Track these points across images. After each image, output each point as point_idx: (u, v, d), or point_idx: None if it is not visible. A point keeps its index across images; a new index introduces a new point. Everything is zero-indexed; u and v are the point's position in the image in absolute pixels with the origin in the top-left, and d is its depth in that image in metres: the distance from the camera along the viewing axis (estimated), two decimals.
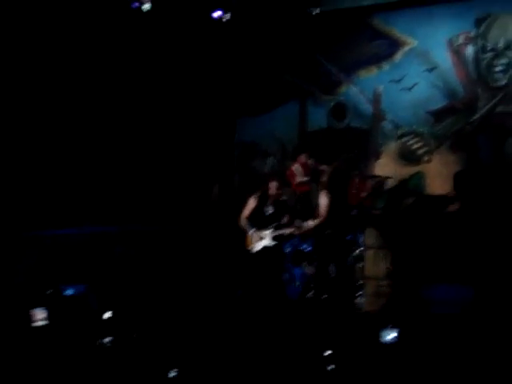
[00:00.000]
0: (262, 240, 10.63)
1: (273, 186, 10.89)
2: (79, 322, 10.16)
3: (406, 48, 14.20)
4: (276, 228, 10.65)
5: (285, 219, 10.78)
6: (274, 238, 10.63)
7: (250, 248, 10.73)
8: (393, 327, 8.43)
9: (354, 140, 14.47)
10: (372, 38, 14.47)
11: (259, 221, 10.72)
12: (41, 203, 13.27)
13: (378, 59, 14.41)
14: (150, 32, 14.13)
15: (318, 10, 13.64)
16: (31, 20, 12.82)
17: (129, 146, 14.36)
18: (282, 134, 15.11)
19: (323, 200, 10.62)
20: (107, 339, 9.14)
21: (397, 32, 14.27)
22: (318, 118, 14.91)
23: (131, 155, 14.51)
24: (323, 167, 11.30)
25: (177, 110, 14.84)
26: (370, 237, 11.74)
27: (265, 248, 10.63)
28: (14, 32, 12.78)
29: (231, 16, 13.47)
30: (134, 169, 14.39)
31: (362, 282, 11.47)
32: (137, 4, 13.10)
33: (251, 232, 10.68)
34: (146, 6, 13.01)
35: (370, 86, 14.42)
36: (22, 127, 12.98)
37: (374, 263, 11.87)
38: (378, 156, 14.31)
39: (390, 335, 8.33)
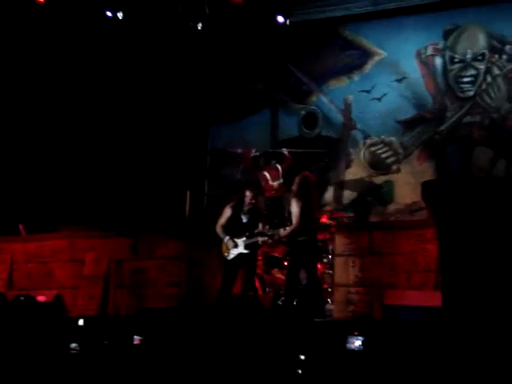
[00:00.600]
0: (237, 247, 10.79)
1: (248, 195, 11.04)
2: (51, 328, 10.20)
3: (376, 58, 14.43)
4: (250, 236, 10.80)
5: (259, 227, 10.94)
6: (248, 246, 10.78)
7: (224, 255, 10.88)
8: (359, 334, 8.55)
9: (325, 149, 14.63)
10: (343, 48, 14.69)
11: (234, 229, 10.87)
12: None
13: (348, 69, 14.63)
14: (124, 40, 14.25)
15: (289, 20, 13.72)
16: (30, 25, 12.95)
17: (102, 152, 14.45)
18: (254, 142, 15.21)
19: (294, 208, 10.74)
20: (74, 345, 9.22)
21: (367, 43, 14.50)
22: (290, 126, 15.08)
23: (104, 161, 14.61)
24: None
25: (149, 116, 14.93)
26: (339, 244, 11.84)
27: (239, 255, 10.79)
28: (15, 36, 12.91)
29: (204, 25, 13.59)
30: (103, 175, 14.49)
31: (330, 289, 11.63)
32: (111, 13, 13.20)
33: (226, 239, 10.84)
34: (120, 15, 13.12)
35: (340, 96, 14.65)
36: None
37: (343, 270, 11.97)
38: (348, 164, 14.50)
39: (356, 343, 8.45)
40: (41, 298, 11.97)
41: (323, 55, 14.81)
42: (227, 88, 15.29)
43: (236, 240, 10.79)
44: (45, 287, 12.54)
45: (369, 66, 14.51)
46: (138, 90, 14.90)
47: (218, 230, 11.00)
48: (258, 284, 11.67)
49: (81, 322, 9.80)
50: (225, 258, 10.92)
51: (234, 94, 15.28)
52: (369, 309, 11.13)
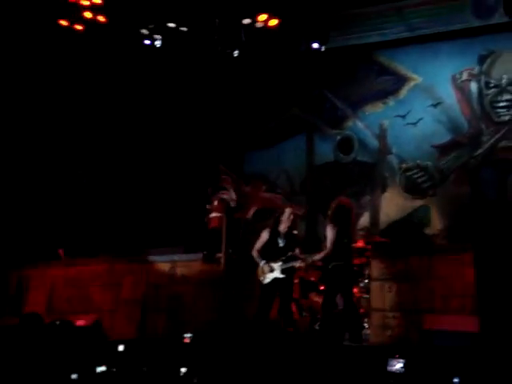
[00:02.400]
0: (273, 272, 10.82)
1: (288, 212, 11.11)
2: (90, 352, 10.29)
3: (412, 84, 14.46)
4: (286, 260, 10.83)
5: (296, 251, 10.98)
6: (284, 271, 10.81)
7: (260, 279, 10.93)
8: (399, 357, 8.56)
9: (360, 173, 14.68)
10: (378, 73, 14.73)
11: (271, 253, 10.91)
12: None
13: (383, 95, 14.66)
14: (161, 67, 14.45)
15: (324, 47, 13.82)
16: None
17: (140, 179, 14.61)
18: (289, 167, 15.29)
19: (329, 233, 10.77)
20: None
21: (402, 68, 14.54)
22: (325, 151, 15.12)
23: (141, 188, 14.76)
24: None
25: (185, 143, 15.08)
26: (376, 268, 11.84)
27: (275, 280, 10.82)
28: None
29: (241, 51, 13.74)
30: (141, 201, 14.62)
31: (367, 313, 11.63)
32: (149, 41, 13.41)
33: (262, 264, 10.88)
34: (158, 43, 13.31)
35: (375, 121, 14.67)
36: None
37: (379, 295, 11.95)
38: (383, 189, 14.52)
39: (397, 365, 8.46)
40: (80, 323, 12.13)
41: (358, 80, 14.86)
42: (263, 113, 15.38)
43: (272, 264, 10.82)
44: (84, 311, 12.68)
45: (404, 92, 14.53)
46: (176, 116, 15.07)
47: (255, 254, 11.04)
48: (294, 308, 11.69)
49: (121, 348, 9.88)
50: (261, 283, 10.96)
51: (269, 120, 15.37)
52: (406, 333, 11.12)
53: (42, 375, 9.49)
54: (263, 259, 10.88)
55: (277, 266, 10.79)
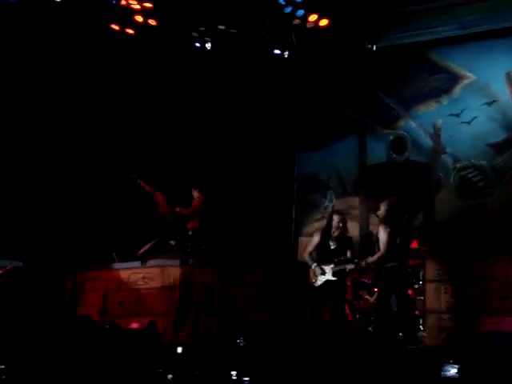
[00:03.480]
0: (324, 274, 10.75)
1: (336, 219, 11.03)
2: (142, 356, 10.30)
3: (465, 82, 14.27)
4: (338, 263, 10.75)
5: (348, 254, 10.89)
6: (336, 273, 10.73)
7: (312, 282, 10.87)
8: (454, 362, 8.42)
9: (414, 174, 14.53)
10: (431, 72, 14.57)
11: (322, 255, 10.85)
12: None
13: (437, 93, 14.50)
14: (210, 70, 14.48)
15: (376, 46, 13.71)
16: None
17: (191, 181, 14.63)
18: (341, 168, 15.22)
19: (382, 234, 10.67)
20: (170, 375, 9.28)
21: (455, 66, 14.36)
22: (378, 151, 15.02)
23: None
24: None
25: (237, 144, 15.10)
26: (431, 270, 11.70)
27: (327, 282, 10.75)
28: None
29: (291, 52, 13.69)
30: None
31: (422, 315, 11.50)
32: (199, 43, 13.45)
33: (314, 266, 10.82)
34: (209, 45, 13.34)
35: (429, 120, 14.53)
36: None
37: (435, 296, 11.82)
38: (437, 189, 14.35)
39: (451, 370, 8.33)
40: (134, 325, 12.16)
41: (411, 79, 14.71)
42: (314, 114, 15.33)
43: (324, 267, 10.76)
44: (137, 314, 12.72)
45: (457, 90, 14.35)
46: (227, 118, 15.10)
47: (306, 256, 11.00)
48: (347, 310, 11.61)
49: (179, 350, 9.87)
50: (312, 285, 10.90)
51: (321, 120, 15.30)
52: (462, 335, 10.96)
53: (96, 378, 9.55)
54: (315, 262, 10.82)
55: (328, 268, 10.72)
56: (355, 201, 14.87)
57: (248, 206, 14.87)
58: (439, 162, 14.40)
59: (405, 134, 14.79)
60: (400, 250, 10.68)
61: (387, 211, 10.74)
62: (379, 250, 10.61)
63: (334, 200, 15.11)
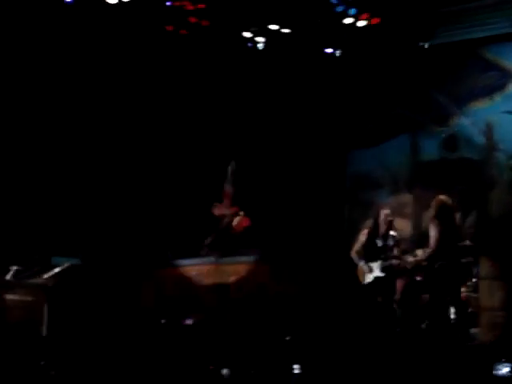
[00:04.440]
0: (372, 272, 10.82)
1: (383, 216, 11.09)
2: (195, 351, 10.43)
3: None
4: (384, 259, 10.82)
5: (395, 251, 10.93)
6: (384, 269, 10.79)
7: (361, 280, 10.96)
8: (507, 361, 8.41)
9: (467, 171, 14.47)
10: (483, 69, 14.47)
11: (370, 253, 10.92)
12: None
13: (490, 90, 14.39)
14: (264, 69, 14.59)
15: (429, 44, 13.71)
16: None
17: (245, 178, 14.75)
18: (394, 166, 15.20)
19: (432, 232, 10.69)
20: (225, 371, 9.39)
21: (508, 63, 14.24)
22: (430, 149, 14.95)
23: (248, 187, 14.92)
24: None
25: (289, 142, 15.18)
26: (484, 267, 11.66)
27: (376, 279, 10.80)
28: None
29: (343, 51, 13.75)
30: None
31: (476, 312, 11.47)
32: (251, 43, 13.57)
33: (361, 264, 10.90)
34: (261, 45, 13.45)
35: (482, 117, 14.43)
36: None
37: (489, 294, 11.77)
38: (491, 187, 14.27)
39: (504, 369, 8.32)
40: (188, 322, 12.33)
41: (463, 77, 14.64)
42: (366, 113, 15.34)
43: (371, 264, 10.82)
44: (192, 311, 12.87)
45: (511, 87, 14.24)
46: (282, 118, 15.19)
47: (353, 255, 11.10)
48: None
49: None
50: (362, 283, 10.97)
51: (373, 119, 15.31)
52: None
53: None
54: (362, 260, 10.88)
55: (375, 265, 10.81)
56: (408, 198, 14.84)
57: (301, 205, 14.94)
58: (492, 160, 14.31)
59: (457, 131, 14.72)
60: (452, 248, 10.68)
61: (438, 209, 10.76)
62: (430, 247, 10.64)
63: (387, 198, 15.10)
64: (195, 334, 11.54)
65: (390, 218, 11.16)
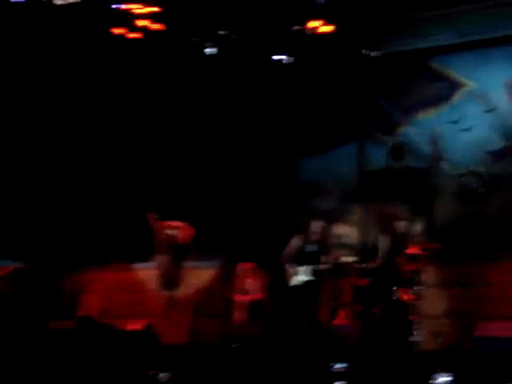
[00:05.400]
0: (298, 275, 11.01)
1: (314, 225, 11.28)
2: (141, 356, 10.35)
3: (465, 89, 14.34)
4: (311, 264, 11.02)
5: (322, 259, 11.12)
6: (310, 273, 10.98)
7: (288, 282, 11.16)
8: (445, 371, 8.45)
9: (413, 180, 14.59)
10: (431, 79, 14.63)
11: (299, 259, 11.08)
12: None
13: (436, 101, 14.55)
14: (213, 74, 14.57)
15: (377, 53, 13.79)
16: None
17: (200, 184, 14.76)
18: (342, 174, 15.25)
19: (381, 244, 10.85)
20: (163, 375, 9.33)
21: (455, 74, 14.42)
22: (378, 158, 15.05)
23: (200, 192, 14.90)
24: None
25: (238, 150, 15.18)
26: (429, 275, 11.76)
27: (300, 282, 10.98)
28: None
29: (292, 57, 13.77)
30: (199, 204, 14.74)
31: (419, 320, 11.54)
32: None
33: (287, 267, 11.11)
34: (212, 50, 13.42)
35: (428, 127, 14.57)
36: None
37: (432, 301, 11.86)
38: (436, 195, 14.40)
39: (442, 379, 8.36)
40: (131, 327, 12.24)
41: (411, 87, 14.77)
42: (315, 120, 15.37)
43: (298, 268, 11.12)
44: (136, 316, 12.80)
45: (457, 97, 14.41)
46: (228, 124, 15.18)
47: (283, 259, 11.22)
48: (345, 314, 11.67)
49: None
50: (287, 286, 11.15)
51: (321, 126, 15.35)
52: (458, 340, 11.02)
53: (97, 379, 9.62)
54: (290, 264, 10.98)
55: (302, 269, 10.96)
56: (355, 206, 14.92)
57: (251, 212, 14.94)
58: (438, 169, 14.45)
59: (404, 140, 14.84)
60: (395, 256, 10.81)
61: (384, 221, 10.90)
62: (379, 257, 10.76)
63: (335, 205, 15.15)
64: (138, 339, 11.42)
65: (319, 230, 11.31)
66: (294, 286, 11.07)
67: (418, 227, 14.29)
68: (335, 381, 8.66)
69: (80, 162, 14.83)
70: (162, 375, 9.30)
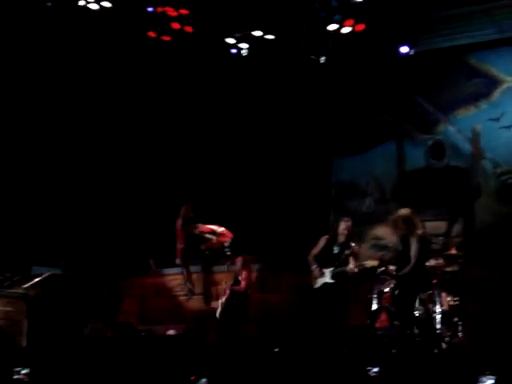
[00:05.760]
0: (323, 276, 10.88)
1: (342, 226, 11.15)
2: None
3: (504, 86, 14.06)
4: (337, 266, 10.87)
5: (350, 261, 10.98)
6: (334, 276, 10.83)
7: (312, 284, 11.05)
8: (491, 373, 8.26)
9: (453, 179, 14.37)
10: (469, 76, 14.38)
11: (325, 259, 11.00)
12: None
13: (475, 98, 14.29)
14: (248, 75, 14.49)
15: (414, 51, 13.59)
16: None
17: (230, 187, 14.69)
18: (380, 174, 15.07)
19: (413, 247, 10.71)
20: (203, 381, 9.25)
21: (494, 70, 14.15)
22: (416, 157, 14.84)
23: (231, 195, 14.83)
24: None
25: (274, 150, 15.09)
26: (471, 275, 11.59)
27: (324, 284, 10.84)
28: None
29: (328, 57, 13.63)
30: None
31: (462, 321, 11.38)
32: (235, 50, 13.45)
33: (313, 268, 10.97)
34: (244, 52, 13.33)
35: (468, 125, 14.33)
36: None
37: (475, 302, 11.68)
38: (477, 195, 14.16)
39: (489, 381, 8.17)
40: (170, 332, 12.19)
41: (449, 84, 14.53)
42: (352, 120, 15.22)
43: (324, 270, 10.93)
44: (173, 321, 12.76)
45: (497, 94, 14.14)
46: (264, 124, 15.09)
47: (309, 258, 11.18)
48: (385, 316, 11.51)
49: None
50: (312, 287, 11.08)
51: (358, 126, 15.19)
52: (501, 342, 10.82)
53: None
54: (316, 264, 10.86)
55: (328, 271, 10.89)
56: (393, 206, 14.69)
57: (286, 213, 14.84)
58: (479, 167, 14.20)
59: (444, 139, 14.60)
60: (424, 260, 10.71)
61: (405, 224, 10.76)
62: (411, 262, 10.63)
63: (373, 206, 14.99)
64: (178, 344, 11.36)
65: (348, 230, 11.17)
66: (317, 288, 10.96)
67: (458, 227, 14.13)
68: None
69: (116, 169, 14.86)
70: (202, 381, 9.20)
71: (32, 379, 10.03)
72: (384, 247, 13.60)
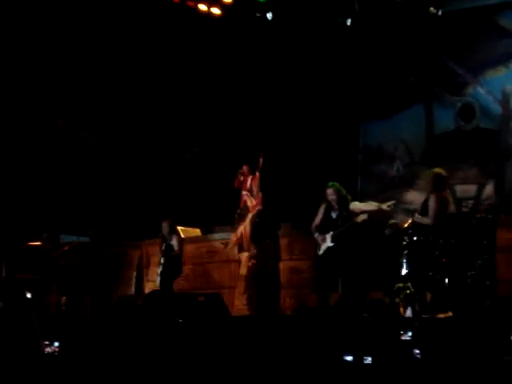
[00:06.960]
0: (325, 242, 10.95)
1: (328, 193, 11.10)
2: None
3: None
4: (336, 228, 10.93)
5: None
6: (334, 238, 10.86)
7: (317, 251, 11.10)
8: None
9: (483, 141, 14.17)
10: (499, 37, 14.10)
11: (326, 226, 11.06)
12: None
13: (506, 58, 14.03)
14: (274, 39, 14.35)
15: (441, 11, 13.34)
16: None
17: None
18: (408, 138, 14.93)
19: (432, 204, 10.57)
20: None
21: None
22: (446, 119, 14.66)
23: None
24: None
25: (300, 115, 14.96)
26: (501, 239, 11.43)
27: (328, 249, 10.91)
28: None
29: (355, 20, 13.44)
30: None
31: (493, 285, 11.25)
32: (260, 14, 13.30)
33: (316, 236, 11.04)
34: (269, 15, 13.16)
35: (498, 86, 14.10)
36: None
37: (506, 266, 11.54)
38: (508, 157, 13.98)
39: None
40: (201, 299, 12.18)
41: (478, 45, 14.29)
42: (379, 83, 15.03)
43: (325, 235, 11.00)
44: (202, 288, 12.76)
45: None
46: (291, 89, 14.96)
47: (312, 228, 11.20)
48: None
49: None
50: (317, 254, 11.13)
51: (386, 89, 15.00)
52: None
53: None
54: (318, 232, 11.05)
55: (328, 236, 10.95)
56: (423, 170, 14.56)
57: (313, 178, 14.73)
58: (509, 129, 14.01)
59: (473, 100, 14.39)
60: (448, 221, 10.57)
61: (435, 182, 10.60)
62: (430, 219, 10.50)
63: (401, 170, 14.85)
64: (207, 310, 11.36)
65: (332, 194, 11.10)
66: (321, 255, 11.02)
67: (489, 190, 13.98)
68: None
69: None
70: None
71: (63, 352, 10.15)
72: (413, 212, 13.41)
